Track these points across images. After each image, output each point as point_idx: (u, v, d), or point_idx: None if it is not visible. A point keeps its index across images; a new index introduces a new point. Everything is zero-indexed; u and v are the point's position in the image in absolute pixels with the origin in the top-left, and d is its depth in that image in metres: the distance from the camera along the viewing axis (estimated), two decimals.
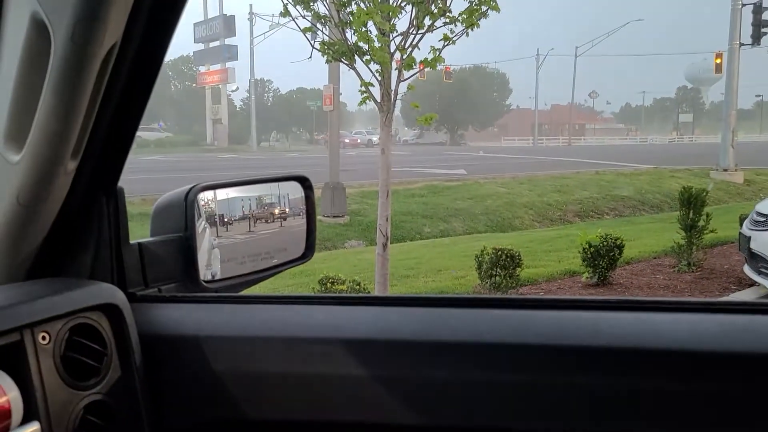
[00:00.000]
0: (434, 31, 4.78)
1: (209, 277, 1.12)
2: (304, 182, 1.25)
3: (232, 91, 60.16)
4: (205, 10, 52.83)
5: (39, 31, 0.74)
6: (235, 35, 51.67)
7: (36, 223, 0.87)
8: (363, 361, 0.83)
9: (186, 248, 1.07)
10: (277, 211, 1.22)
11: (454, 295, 5.54)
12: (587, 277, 5.93)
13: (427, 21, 4.65)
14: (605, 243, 5.75)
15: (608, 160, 26.39)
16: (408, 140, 65.45)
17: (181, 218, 1.07)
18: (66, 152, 0.81)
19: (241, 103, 67.35)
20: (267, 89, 72.87)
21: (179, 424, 0.92)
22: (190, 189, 1.08)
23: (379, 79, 4.80)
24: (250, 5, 45.15)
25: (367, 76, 4.84)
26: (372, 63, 4.67)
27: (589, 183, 18.15)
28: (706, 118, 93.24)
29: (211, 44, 52.87)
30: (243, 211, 1.19)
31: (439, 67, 4.90)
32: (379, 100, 4.84)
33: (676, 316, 0.76)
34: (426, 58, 4.50)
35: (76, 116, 0.78)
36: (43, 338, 0.78)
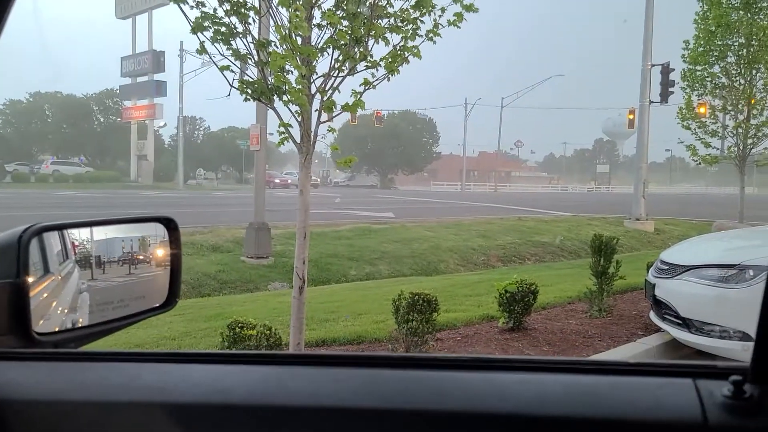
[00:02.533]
0: (356, 75, 4.81)
1: (54, 329, 1.01)
2: (169, 223, 1.16)
3: (160, 127, 58.84)
4: (133, 45, 51.86)
5: None
6: (164, 71, 50.86)
7: None
8: (204, 428, 0.74)
9: (17, 297, 0.95)
10: (133, 256, 1.12)
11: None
12: (503, 323, 5.98)
13: (348, 65, 4.67)
14: (520, 289, 5.83)
15: (532, 207, 27.29)
16: (339, 182, 65.66)
17: (12, 262, 0.96)
18: None
19: (170, 140, 65.81)
20: (198, 127, 71.70)
21: None
22: (25, 230, 0.97)
23: (299, 120, 4.76)
24: (181, 42, 44.57)
25: (287, 117, 4.79)
26: (291, 104, 4.63)
27: (512, 229, 18.65)
28: (621, 169, 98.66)
29: (139, 79, 51.75)
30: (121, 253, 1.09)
31: (367, 112, 4.93)
32: (298, 141, 4.79)
33: (524, 377, 0.72)
34: (347, 103, 4.49)
35: None
36: None
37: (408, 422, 0.69)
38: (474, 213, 23.44)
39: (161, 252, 1.16)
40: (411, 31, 4.88)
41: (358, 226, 17.60)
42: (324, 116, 4.91)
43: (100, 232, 1.09)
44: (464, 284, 10.19)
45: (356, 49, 4.67)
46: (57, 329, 1.01)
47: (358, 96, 4.83)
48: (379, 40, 4.77)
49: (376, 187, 62.71)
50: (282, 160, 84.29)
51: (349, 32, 4.46)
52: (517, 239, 17.37)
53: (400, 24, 4.77)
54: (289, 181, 52.48)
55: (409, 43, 4.91)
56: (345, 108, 4.60)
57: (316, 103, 4.94)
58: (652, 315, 5.82)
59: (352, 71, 4.77)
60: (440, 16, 4.92)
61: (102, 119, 62.72)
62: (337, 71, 4.72)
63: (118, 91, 57.23)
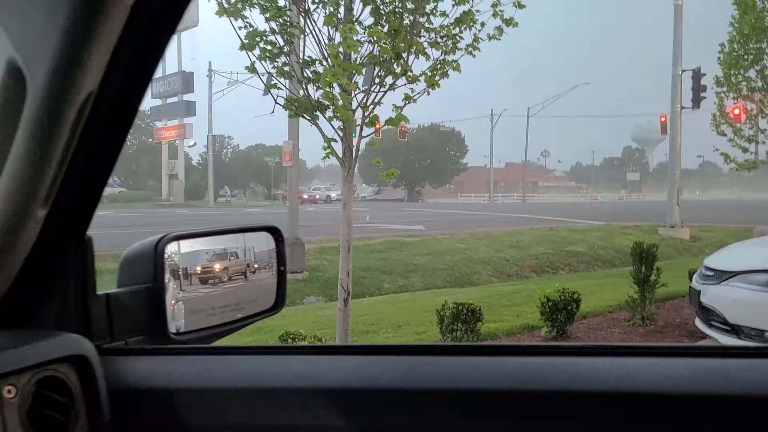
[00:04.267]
0: (396, 90, 4.91)
1: (175, 330, 1.10)
2: (275, 233, 1.24)
3: (190, 146, 59.82)
4: (163, 67, 52.94)
5: (14, 77, 0.74)
6: (193, 91, 51.81)
7: (3, 272, 0.84)
8: (342, 412, 0.82)
9: (155, 299, 1.04)
10: (243, 263, 1.21)
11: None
12: (546, 332, 5.98)
13: (389, 79, 4.78)
14: (563, 297, 5.84)
15: (562, 216, 27.08)
16: (366, 196, 65.92)
17: (150, 268, 1.05)
18: (37, 200, 0.79)
19: (199, 159, 66.96)
20: (226, 145, 72.83)
21: None
22: (161, 239, 1.06)
23: (341, 135, 4.88)
24: (209, 62, 45.55)
25: (329, 132, 4.91)
26: (334, 120, 4.75)
27: (544, 239, 18.53)
28: (652, 178, 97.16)
29: (169, 100, 52.78)
30: (207, 263, 1.17)
31: (392, 126, 5.02)
32: (341, 156, 4.90)
33: (651, 361, 0.78)
34: (391, 117, 4.60)
35: (49, 163, 0.77)
36: (9, 391, 0.74)
37: (543, 406, 0.75)
38: (504, 224, 23.33)
39: (268, 259, 1.24)
40: (451, 46, 4.98)
41: (389, 239, 17.68)
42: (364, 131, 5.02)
43: (210, 242, 1.18)
44: (500, 295, 10.18)
45: (396, 64, 4.78)
46: (188, 329, 1.10)
47: (399, 110, 4.94)
48: (419, 55, 4.87)
49: (403, 200, 62.81)
50: (308, 175, 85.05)
51: (391, 48, 4.57)
52: (550, 249, 17.25)
53: (440, 40, 4.87)
54: (317, 196, 52.84)
55: (449, 57, 5.01)
56: (389, 122, 4.71)
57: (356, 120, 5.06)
58: (698, 322, 5.77)
59: (393, 86, 4.87)
60: (480, 30, 5.00)
61: (135, 140, 64.10)
62: (378, 86, 4.83)
63: (149, 113, 58.42)
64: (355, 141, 4.88)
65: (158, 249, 1.05)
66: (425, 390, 0.81)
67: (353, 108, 4.80)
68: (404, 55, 4.74)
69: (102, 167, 0.88)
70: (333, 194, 49.38)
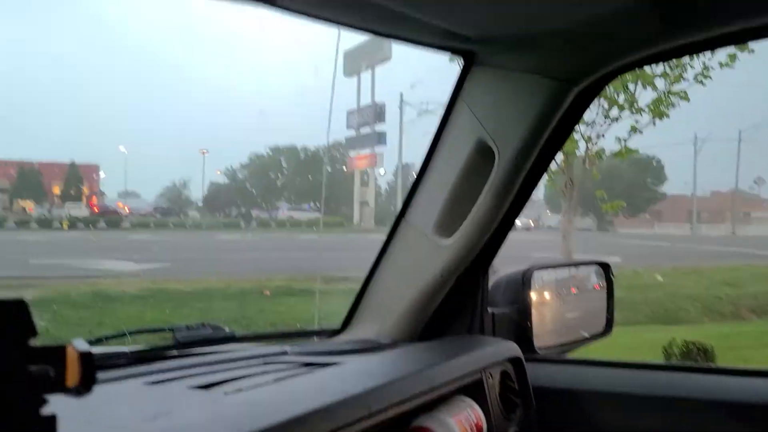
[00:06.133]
0: (620, 122, 4.91)
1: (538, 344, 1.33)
2: (606, 267, 1.44)
3: (380, 175, 62.90)
4: (357, 99, 56.60)
5: (483, 152, 1.02)
6: (384, 122, 54.61)
7: (443, 292, 1.13)
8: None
9: (522, 318, 1.29)
10: (585, 289, 1.41)
11: None
12: None
13: (614, 112, 4.80)
14: None
15: None
16: (552, 226, 63.85)
17: (518, 293, 1.30)
18: (483, 239, 1.07)
19: (387, 186, 70.22)
20: (412, 172, 75.49)
21: None
22: (527, 269, 1.31)
23: (562, 167, 4.98)
24: (401, 93, 47.74)
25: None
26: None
27: (765, 277, 16.60)
28: None
29: (362, 130, 56.21)
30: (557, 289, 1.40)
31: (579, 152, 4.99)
32: (562, 188, 5.00)
33: None
34: (620, 150, 4.62)
35: (501, 212, 1.04)
36: (489, 377, 1.02)
37: None
38: (712, 258, 21.29)
39: (597, 288, 1.44)
40: (678, 75, 4.87)
41: None
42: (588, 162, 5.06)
43: (558, 272, 1.41)
44: (718, 335, 9.34)
45: (622, 96, 4.79)
46: (546, 345, 1.34)
47: (624, 142, 4.92)
48: (646, 86, 4.83)
49: (592, 230, 59.87)
50: None
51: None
52: None
53: (669, 70, 4.79)
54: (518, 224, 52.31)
55: (675, 87, 4.90)
56: (617, 155, 4.73)
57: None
58: None
59: (618, 118, 4.89)
60: (710, 59, 4.83)
61: (330, 169, 69.09)
62: (604, 118, 4.87)
63: (343, 143, 62.61)
64: (576, 173, 4.95)
65: (525, 277, 1.30)
66: None
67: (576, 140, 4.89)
68: (630, 86, 4.74)
69: (512, 214, 1.15)
70: (518, 222, 48.50)
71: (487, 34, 0.98)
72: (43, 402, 0.42)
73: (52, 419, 0.42)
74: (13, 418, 0.40)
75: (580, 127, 5.08)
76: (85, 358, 0.42)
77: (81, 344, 0.43)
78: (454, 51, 1.05)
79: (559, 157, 5.08)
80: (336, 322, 1.44)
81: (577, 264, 1.45)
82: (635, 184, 64.23)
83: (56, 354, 0.42)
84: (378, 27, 0.99)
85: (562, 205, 5.13)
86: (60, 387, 0.42)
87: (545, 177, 5.02)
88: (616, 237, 42.86)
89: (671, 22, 0.87)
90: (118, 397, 0.87)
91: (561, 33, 0.95)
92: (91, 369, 0.42)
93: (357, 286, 1.42)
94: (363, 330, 1.24)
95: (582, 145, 4.99)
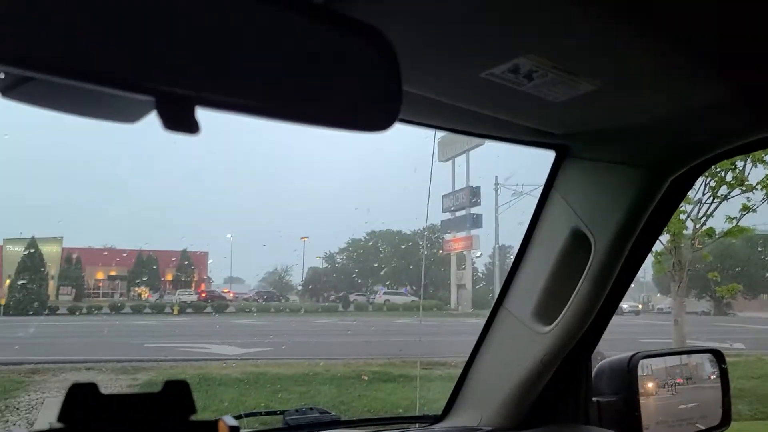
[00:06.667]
0: (729, 200, 4.70)
1: None
2: (718, 355, 1.38)
3: (476, 257, 62.30)
4: (453, 183, 57.17)
5: (578, 239, 1.05)
6: (480, 204, 54.60)
7: (544, 379, 1.14)
8: None
9: (629, 408, 1.26)
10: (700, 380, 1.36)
11: None
12: None
13: (723, 190, 4.61)
14: None
15: None
16: (663, 308, 59.93)
17: (624, 380, 1.27)
18: (584, 326, 1.09)
19: (483, 268, 69.27)
20: (509, 254, 74.24)
21: None
22: (632, 356, 1.29)
23: (669, 247, 4.79)
24: (496, 177, 47.84)
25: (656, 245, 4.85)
26: (664, 233, 4.70)
27: None
28: None
29: (457, 213, 56.35)
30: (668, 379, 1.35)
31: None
32: (670, 270, 4.78)
33: None
34: (731, 229, 4.41)
35: (601, 299, 1.06)
36: None
37: None
38: None
39: (711, 378, 1.38)
40: None
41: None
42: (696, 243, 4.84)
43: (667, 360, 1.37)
44: None
45: (730, 174, 4.60)
46: None
47: (735, 221, 4.69)
48: (757, 163, 4.63)
49: (709, 313, 55.56)
50: None
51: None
52: None
53: None
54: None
55: None
56: (728, 234, 4.50)
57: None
58: None
59: (727, 196, 4.68)
60: None
61: (427, 252, 69.24)
62: (711, 198, 4.68)
63: (439, 226, 62.92)
64: (685, 254, 4.74)
65: (630, 365, 1.28)
66: None
67: (683, 220, 4.71)
68: (739, 164, 4.56)
69: (613, 300, 1.15)
70: (625, 306, 46.11)
71: (578, 129, 1.04)
72: None
73: None
74: None
75: (687, 207, 4.90)
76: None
77: (230, 420, 0.51)
78: (546, 146, 1.12)
79: (665, 237, 4.90)
80: (436, 408, 1.46)
81: (688, 351, 1.40)
82: (754, 263, 59.52)
83: (211, 428, 0.50)
84: (473, 129, 1.07)
85: (671, 288, 4.89)
86: None
87: (651, 258, 4.84)
88: (736, 321, 39.47)
89: (762, 113, 0.89)
90: None
91: (652, 126, 0.99)
92: None
93: (456, 372, 1.44)
94: (464, 417, 1.25)
95: (690, 224, 4.79)
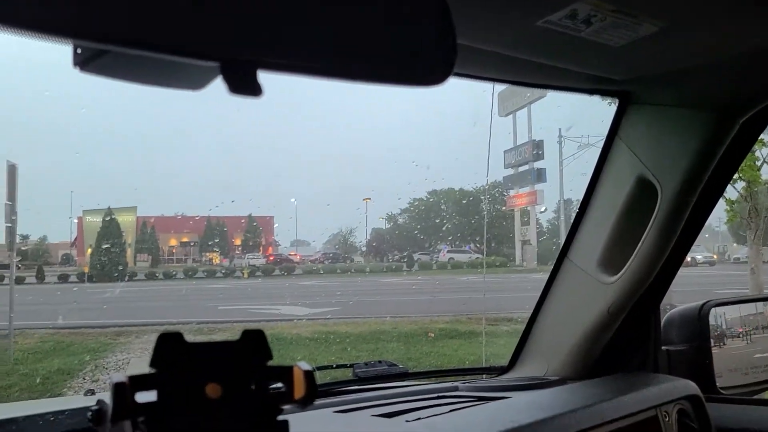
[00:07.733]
0: None
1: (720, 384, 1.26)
2: None
3: (541, 212, 61.25)
4: (514, 137, 55.94)
5: (643, 187, 1.03)
6: (543, 159, 53.31)
7: (611, 329, 1.14)
8: None
9: (701, 357, 1.24)
10: None
11: None
12: None
13: None
14: None
15: None
16: (740, 258, 57.45)
17: (695, 329, 1.26)
18: (651, 275, 1.07)
19: (547, 224, 68.12)
20: (574, 208, 72.59)
21: None
22: (703, 304, 1.27)
23: (745, 195, 4.58)
24: (559, 129, 46.40)
25: (730, 193, 4.65)
26: (738, 181, 4.50)
27: None
28: None
29: (520, 168, 55.23)
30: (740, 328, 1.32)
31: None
32: (746, 217, 4.58)
33: None
34: None
35: (669, 247, 1.04)
36: (665, 416, 1.01)
37: None
38: None
39: None
40: None
41: None
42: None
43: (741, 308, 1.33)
44: None
45: None
46: (730, 385, 1.27)
47: None
48: None
49: None
50: None
51: None
52: None
53: None
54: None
55: None
56: None
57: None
58: None
59: None
60: None
61: (488, 209, 68.61)
62: None
63: (502, 182, 61.98)
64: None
65: (702, 313, 1.25)
66: None
67: (759, 165, 4.48)
68: None
69: (682, 249, 1.13)
70: (699, 257, 44.55)
71: (641, 73, 1.01)
72: (279, 411, 0.54)
73: (285, 423, 0.53)
74: (257, 422, 0.52)
75: (762, 153, 4.66)
76: (309, 376, 0.54)
77: (304, 365, 0.55)
78: (609, 93, 1.09)
79: (740, 184, 4.69)
80: (502, 363, 1.48)
81: (763, 299, 1.36)
82: None
83: (287, 373, 0.54)
84: (532, 80, 1.06)
85: (747, 236, 4.70)
86: (290, 399, 0.54)
87: (725, 206, 4.64)
88: None
89: None
90: (311, 421, 0.99)
91: (720, 66, 0.95)
92: (314, 385, 0.53)
93: (522, 327, 1.45)
94: (531, 368, 1.27)
95: (766, 168, 4.56)
